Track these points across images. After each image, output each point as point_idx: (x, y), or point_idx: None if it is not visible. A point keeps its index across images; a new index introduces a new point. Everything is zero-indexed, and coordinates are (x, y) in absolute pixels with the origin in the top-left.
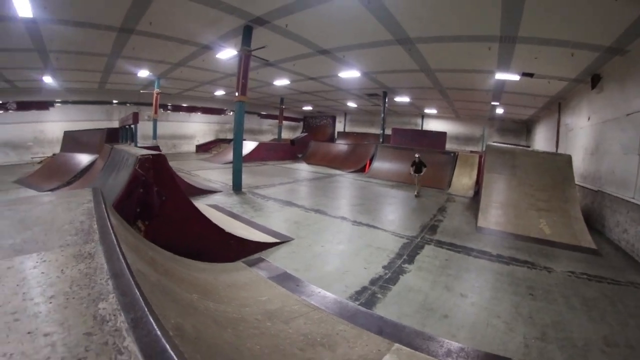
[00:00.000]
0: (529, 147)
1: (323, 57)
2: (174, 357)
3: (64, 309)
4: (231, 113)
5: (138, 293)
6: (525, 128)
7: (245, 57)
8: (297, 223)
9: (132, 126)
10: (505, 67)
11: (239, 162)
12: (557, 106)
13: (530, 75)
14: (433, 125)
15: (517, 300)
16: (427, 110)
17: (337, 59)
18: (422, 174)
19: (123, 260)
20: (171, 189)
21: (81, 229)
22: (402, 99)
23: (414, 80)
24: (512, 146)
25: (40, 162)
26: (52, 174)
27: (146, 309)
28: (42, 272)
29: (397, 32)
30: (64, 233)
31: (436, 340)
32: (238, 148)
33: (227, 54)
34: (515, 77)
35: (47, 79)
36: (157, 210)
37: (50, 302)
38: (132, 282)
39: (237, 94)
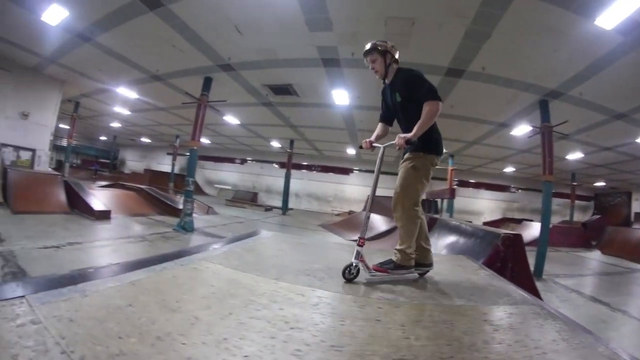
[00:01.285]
0: None
1: (619, 122)
2: None
3: None
4: (518, 191)
5: None
6: None
7: (547, 134)
8: (603, 322)
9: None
10: None
11: (544, 246)
12: None
13: None
14: None
15: None
16: None
17: (633, 122)
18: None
19: None
20: (522, 267)
21: (507, 292)
22: None
23: None
24: None
25: (338, 214)
26: (352, 227)
27: None
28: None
29: None
30: (496, 294)
31: None
32: (545, 232)
33: (522, 130)
34: None
35: (350, 151)
36: None
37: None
38: None
39: (543, 173)
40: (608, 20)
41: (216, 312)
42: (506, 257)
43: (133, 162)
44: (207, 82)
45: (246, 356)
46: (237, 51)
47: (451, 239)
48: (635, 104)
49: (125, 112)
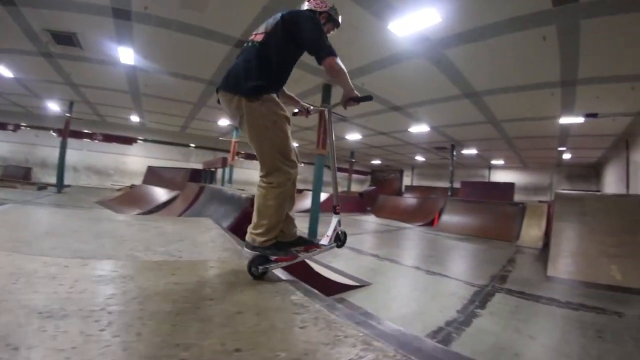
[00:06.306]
0: (598, 191)
1: (395, 113)
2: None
3: (258, 295)
4: (302, 164)
5: (316, 290)
6: (594, 172)
7: (326, 113)
8: (373, 270)
9: (218, 169)
10: (569, 110)
11: (316, 211)
12: (624, 144)
13: (594, 115)
14: (500, 176)
15: (586, 342)
16: (494, 162)
17: (408, 115)
18: None
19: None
20: None
21: (226, 247)
22: (470, 151)
23: (481, 132)
24: (581, 192)
25: (119, 189)
26: (132, 201)
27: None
28: (219, 275)
29: (465, 87)
30: (214, 249)
31: None
32: (317, 198)
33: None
34: (580, 119)
35: (134, 118)
36: None
37: (243, 294)
38: (305, 284)
39: (317, 147)
40: (400, 28)
41: None
42: None
43: None
44: None
45: None
46: None
47: (215, 204)
48: (409, 100)
49: None
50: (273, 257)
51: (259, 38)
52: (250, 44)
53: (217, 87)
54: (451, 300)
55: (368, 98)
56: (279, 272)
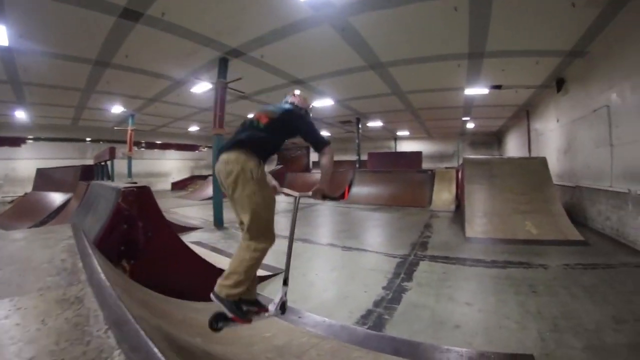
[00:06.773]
0: (502, 156)
1: (297, 87)
2: None
3: None
4: (205, 149)
5: (153, 345)
6: (496, 139)
7: (221, 90)
8: (285, 253)
9: (108, 163)
10: (474, 82)
11: (219, 196)
12: (525, 114)
13: (499, 87)
14: (406, 146)
15: (522, 299)
16: (399, 133)
17: (311, 88)
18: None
19: (121, 304)
20: (157, 224)
21: (63, 268)
22: (375, 123)
23: (386, 104)
24: (489, 157)
25: (11, 201)
26: (24, 213)
27: None
28: (17, 324)
29: (370, 57)
30: (43, 273)
31: (454, 351)
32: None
33: (202, 87)
34: (484, 91)
35: (20, 114)
36: (142, 247)
37: None
38: (141, 332)
39: (214, 127)
40: None
41: None
42: (133, 215)
43: None
44: None
45: None
46: None
47: (94, 204)
48: (312, 73)
49: None
50: (231, 315)
51: (264, 121)
52: (255, 122)
53: (219, 151)
54: (374, 276)
55: (335, 199)
56: (102, 309)
